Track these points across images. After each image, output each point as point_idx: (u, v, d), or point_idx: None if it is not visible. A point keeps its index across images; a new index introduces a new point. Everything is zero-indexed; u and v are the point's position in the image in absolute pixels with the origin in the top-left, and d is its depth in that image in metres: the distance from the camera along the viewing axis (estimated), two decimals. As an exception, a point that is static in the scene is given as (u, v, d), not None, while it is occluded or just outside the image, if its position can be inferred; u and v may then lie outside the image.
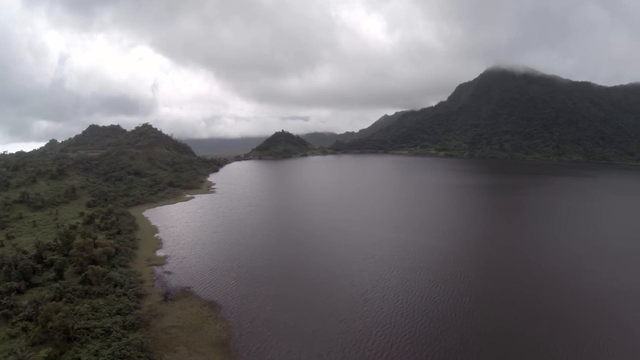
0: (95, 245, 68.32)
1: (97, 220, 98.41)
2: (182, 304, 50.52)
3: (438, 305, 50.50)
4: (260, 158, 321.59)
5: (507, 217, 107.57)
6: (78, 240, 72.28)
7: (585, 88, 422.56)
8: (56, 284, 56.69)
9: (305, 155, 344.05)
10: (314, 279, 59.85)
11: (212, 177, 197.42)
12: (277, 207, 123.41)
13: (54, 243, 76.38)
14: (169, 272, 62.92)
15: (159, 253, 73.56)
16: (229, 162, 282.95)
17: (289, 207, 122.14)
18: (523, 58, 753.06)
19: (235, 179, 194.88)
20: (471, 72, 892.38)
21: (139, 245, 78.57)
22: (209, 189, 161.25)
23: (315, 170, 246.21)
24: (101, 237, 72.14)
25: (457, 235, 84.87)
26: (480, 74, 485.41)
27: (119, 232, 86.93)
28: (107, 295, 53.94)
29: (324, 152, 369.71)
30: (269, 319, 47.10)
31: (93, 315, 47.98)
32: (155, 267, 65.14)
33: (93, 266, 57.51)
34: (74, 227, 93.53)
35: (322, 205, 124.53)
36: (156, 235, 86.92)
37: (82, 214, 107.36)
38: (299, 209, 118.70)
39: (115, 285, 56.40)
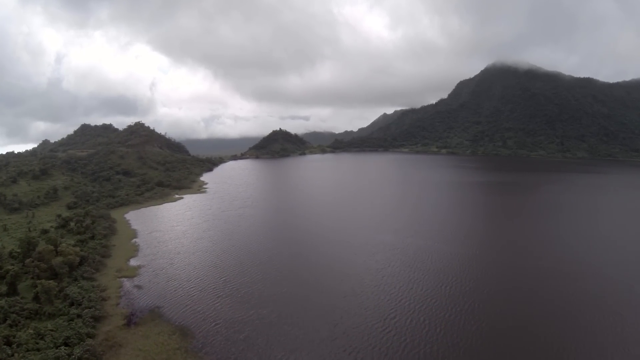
0: (57, 254, 58.98)
1: (72, 224, 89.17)
2: (147, 329, 40.75)
3: (481, 336, 39.37)
4: (257, 157, 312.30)
5: (531, 217, 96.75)
6: (40, 247, 63.01)
7: (588, 84, 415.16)
8: (2, 302, 47.28)
9: (303, 154, 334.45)
10: (318, 300, 48.37)
11: (205, 177, 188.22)
12: (274, 208, 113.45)
13: (18, 250, 67.14)
14: (139, 287, 52.99)
15: (133, 262, 63.62)
16: (225, 162, 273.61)
17: (286, 209, 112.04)
18: (526, 54, 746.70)
19: (229, 178, 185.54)
20: (473, 69, 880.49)
21: (111, 252, 68.83)
22: (200, 188, 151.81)
23: (315, 169, 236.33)
24: (65, 244, 62.60)
25: (481, 240, 74.67)
26: (481, 71, 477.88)
27: (92, 237, 77.40)
28: (60, 316, 44.57)
29: (322, 150, 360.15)
30: (260, 358, 36.27)
31: (36, 344, 38.58)
32: (125, 280, 55.41)
33: (43, 281, 48.00)
34: (45, 232, 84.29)
35: (324, 206, 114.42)
36: (134, 240, 77.17)
37: (59, 216, 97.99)
38: (298, 211, 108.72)
39: (72, 304, 46.84)
